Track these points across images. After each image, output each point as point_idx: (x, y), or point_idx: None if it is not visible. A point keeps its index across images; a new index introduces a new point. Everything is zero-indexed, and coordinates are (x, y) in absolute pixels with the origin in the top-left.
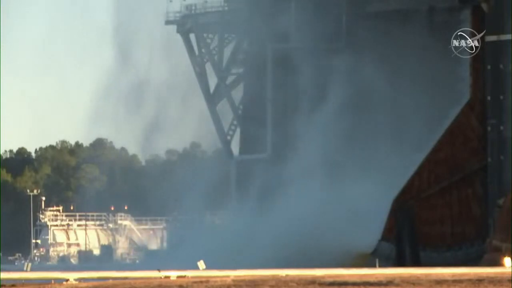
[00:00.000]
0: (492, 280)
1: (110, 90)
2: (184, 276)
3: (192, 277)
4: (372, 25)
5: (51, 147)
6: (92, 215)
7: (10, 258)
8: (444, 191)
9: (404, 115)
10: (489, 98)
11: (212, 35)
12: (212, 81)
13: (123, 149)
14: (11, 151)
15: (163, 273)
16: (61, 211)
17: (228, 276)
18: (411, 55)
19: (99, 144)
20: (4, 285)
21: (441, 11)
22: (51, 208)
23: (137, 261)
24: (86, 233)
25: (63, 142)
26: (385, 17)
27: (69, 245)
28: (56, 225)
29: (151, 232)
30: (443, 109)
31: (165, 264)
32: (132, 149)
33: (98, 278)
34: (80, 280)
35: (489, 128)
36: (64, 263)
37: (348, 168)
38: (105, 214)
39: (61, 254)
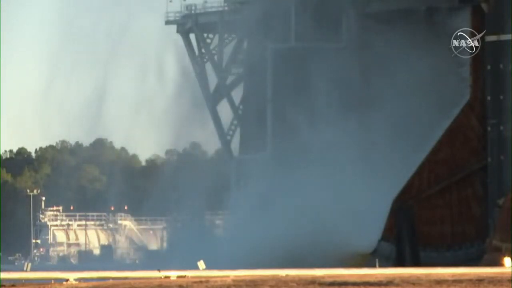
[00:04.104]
0: (492, 280)
1: (110, 90)
2: (184, 276)
3: (192, 277)
4: (372, 25)
5: (51, 147)
6: (92, 215)
7: (10, 258)
8: (444, 191)
9: (404, 115)
10: (489, 98)
11: (212, 35)
12: (212, 81)
13: (123, 149)
14: (11, 151)
15: (163, 273)
16: (61, 211)
17: (228, 276)
18: (411, 55)
19: (99, 144)
20: (4, 285)
21: (441, 11)
22: (51, 208)
23: (137, 261)
24: (86, 233)
25: (63, 142)
26: (385, 17)
27: (69, 245)
28: (56, 225)
29: (151, 232)
30: (443, 109)
31: (165, 264)
32: (132, 149)
33: (98, 278)
34: (80, 280)
35: (489, 128)
36: (64, 263)
37: (348, 168)
38: (105, 214)
39: (61, 254)
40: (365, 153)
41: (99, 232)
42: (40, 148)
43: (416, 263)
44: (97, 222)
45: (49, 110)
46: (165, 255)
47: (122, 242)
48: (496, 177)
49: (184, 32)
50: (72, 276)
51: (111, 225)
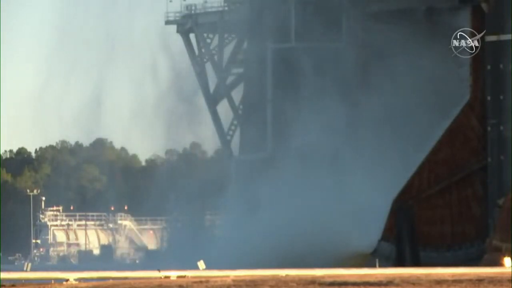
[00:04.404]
0: (492, 280)
1: (109, 90)
2: (184, 276)
3: (192, 277)
4: (372, 25)
5: (51, 147)
6: (92, 215)
7: (10, 258)
8: (444, 191)
9: (404, 115)
10: (489, 98)
11: (212, 35)
12: (212, 81)
13: (123, 149)
14: (11, 151)
15: (163, 273)
16: (61, 211)
17: (228, 276)
18: (411, 55)
19: (99, 144)
20: (4, 285)
21: (441, 11)
22: (51, 208)
23: (137, 261)
24: (86, 233)
25: (63, 142)
26: (385, 17)
27: (69, 245)
28: (56, 225)
29: (151, 232)
30: (443, 109)
31: (165, 264)
32: (132, 149)
33: (98, 278)
34: (80, 280)
35: (489, 128)
36: (64, 263)
37: (348, 168)
38: (105, 214)
39: (61, 254)
40: (365, 153)
41: (99, 232)
42: (40, 148)
43: (416, 263)
44: (97, 222)
45: (48, 110)
46: (165, 255)
47: (122, 242)
48: (496, 177)
49: (184, 32)
50: (72, 276)
51: (111, 225)
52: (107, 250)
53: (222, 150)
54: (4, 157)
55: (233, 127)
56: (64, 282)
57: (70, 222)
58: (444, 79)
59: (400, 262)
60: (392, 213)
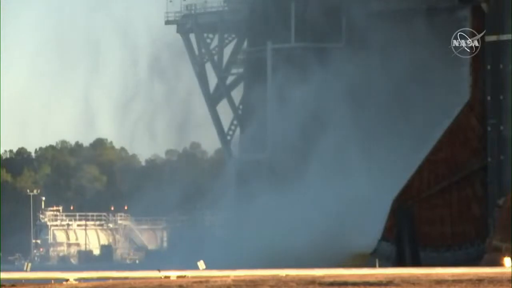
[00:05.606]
0: (492, 280)
1: (110, 90)
2: (184, 276)
3: (192, 277)
4: (372, 25)
5: (51, 147)
6: (92, 215)
7: (10, 258)
8: (444, 191)
9: (404, 115)
10: (489, 98)
11: (212, 35)
12: (212, 81)
13: (123, 149)
14: (11, 151)
15: (163, 273)
16: (61, 211)
17: (228, 276)
18: (411, 55)
19: (99, 144)
20: (4, 285)
21: (441, 11)
22: (51, 208)
23: (137, 261)
24: (86, 233)
25: (63, 142)
26: (385, 17)
27: (69, 245)
28: (56, 225)
29: (151, 232)
30: (443, 109)
31: (165, 264)
32: (132, 149)
33: (98, 278)
34: (80, 280)
35: (489, 128)
36: (64, 263)
37: (348, 168)
38: (105, 214)
39: (61, 254)
40: (365, 153)
41: (99, 232)
42: (40, 148)
43: (416, 263)
44: (97, 222)
45: (48, 110)
46: (165, 255)
47: (122, 242)
48: (496, 177)
49: (184, 32)
50: (72, 276)
51: (111, 225)
52: (107, 250)
53: (222, 150)
54: (4, 157)
55: (233, 127)
56: (64, 282)
57: (70, 222)
58: (444, 79)
59: (400, 262)
60: (392, 213)
